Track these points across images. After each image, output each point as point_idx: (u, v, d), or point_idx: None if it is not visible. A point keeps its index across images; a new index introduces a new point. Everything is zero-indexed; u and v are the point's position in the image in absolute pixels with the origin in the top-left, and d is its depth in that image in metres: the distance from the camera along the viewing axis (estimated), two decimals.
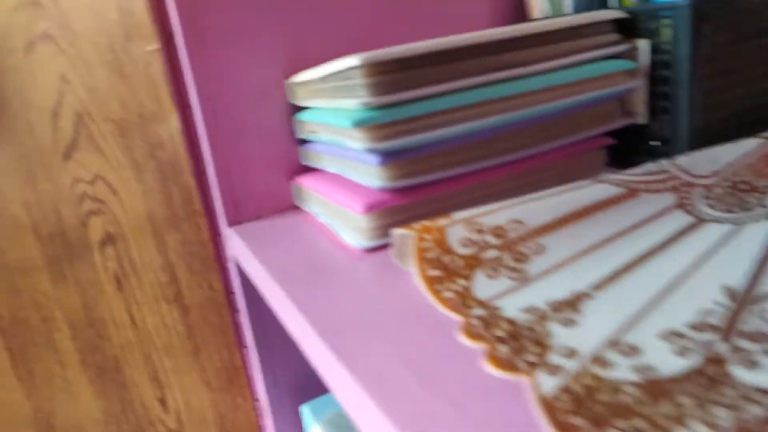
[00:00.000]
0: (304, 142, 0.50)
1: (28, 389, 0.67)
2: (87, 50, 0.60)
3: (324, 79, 0.40)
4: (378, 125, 0.34)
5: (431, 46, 0.35)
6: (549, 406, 0.20)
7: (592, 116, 0.43)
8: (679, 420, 0.19)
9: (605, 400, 0.20)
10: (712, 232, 0.32)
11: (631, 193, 0.36)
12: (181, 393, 0.73)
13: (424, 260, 0.30)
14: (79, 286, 0.66)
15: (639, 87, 0.42)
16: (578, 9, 0.48)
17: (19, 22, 0.59)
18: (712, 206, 0.35)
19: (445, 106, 0.36)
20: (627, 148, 0.45)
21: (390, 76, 0.34)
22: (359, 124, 0.34)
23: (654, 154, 0.43)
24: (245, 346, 0.74)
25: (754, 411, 0.18)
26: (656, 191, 0.37)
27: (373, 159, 0.35)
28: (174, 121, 0.65)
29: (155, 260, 0.68)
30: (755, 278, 0.27)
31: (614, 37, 0.41)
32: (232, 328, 0.73)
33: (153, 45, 0.60)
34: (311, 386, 0.59)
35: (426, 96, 0.35)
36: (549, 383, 0.21)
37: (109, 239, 0.66)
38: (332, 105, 0.39)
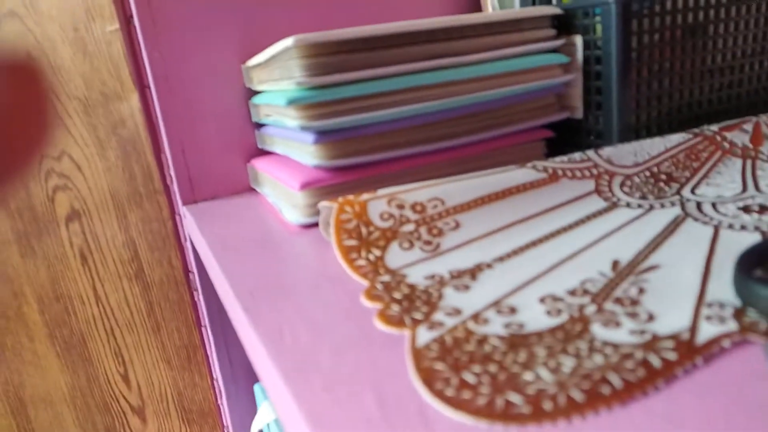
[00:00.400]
0: (260, 126, 0.52)
1: None
2: (52, 29, 0.62)
3: (268, 61, 0.42)
4: (312, 104, 0.36)
5: (366, 32, 0.36)
6: (418, 354, 0.22)
7: (530, 108, 0.44)
8: (528, 366, 0.20)
9: (469, 349, 0.22)
10: (621, 215, 0.34)
11: (553, 178, 0.38)
12: (143, 370, 0.75)
13: (343, 231, 0.32)
14: (47, 261, 0.68)
15: (575, 82, 0.44)
16: (523, 5, 0.50)
17: None
18: (628, 193, 0.37)
19: (378, 90, 0.37)
20: (566, 142, 0.47)
21: (325, 58, 0.36)
22: (293, 102, 0.36)
23: (591, 149, 0.45)
24: (204, 326, 0.76)
25: (596, 359, 0.20)
26: (577, 178, 0.38)
27: (308, 137, 0.37)
28: (134, 101, 0.67)
29: (118, 237, 0.70)
30: (643, 254, 0.29)
31: (550, 32, 0.43)
32: (191, 307, 0.75)
33: (113, 25, 0.61)
34: None
35: (360, 79, 0.37)
36: (425, 336, 0.23)
37: (74, 215, 0.68)
38: (276, 87, 0.41)
